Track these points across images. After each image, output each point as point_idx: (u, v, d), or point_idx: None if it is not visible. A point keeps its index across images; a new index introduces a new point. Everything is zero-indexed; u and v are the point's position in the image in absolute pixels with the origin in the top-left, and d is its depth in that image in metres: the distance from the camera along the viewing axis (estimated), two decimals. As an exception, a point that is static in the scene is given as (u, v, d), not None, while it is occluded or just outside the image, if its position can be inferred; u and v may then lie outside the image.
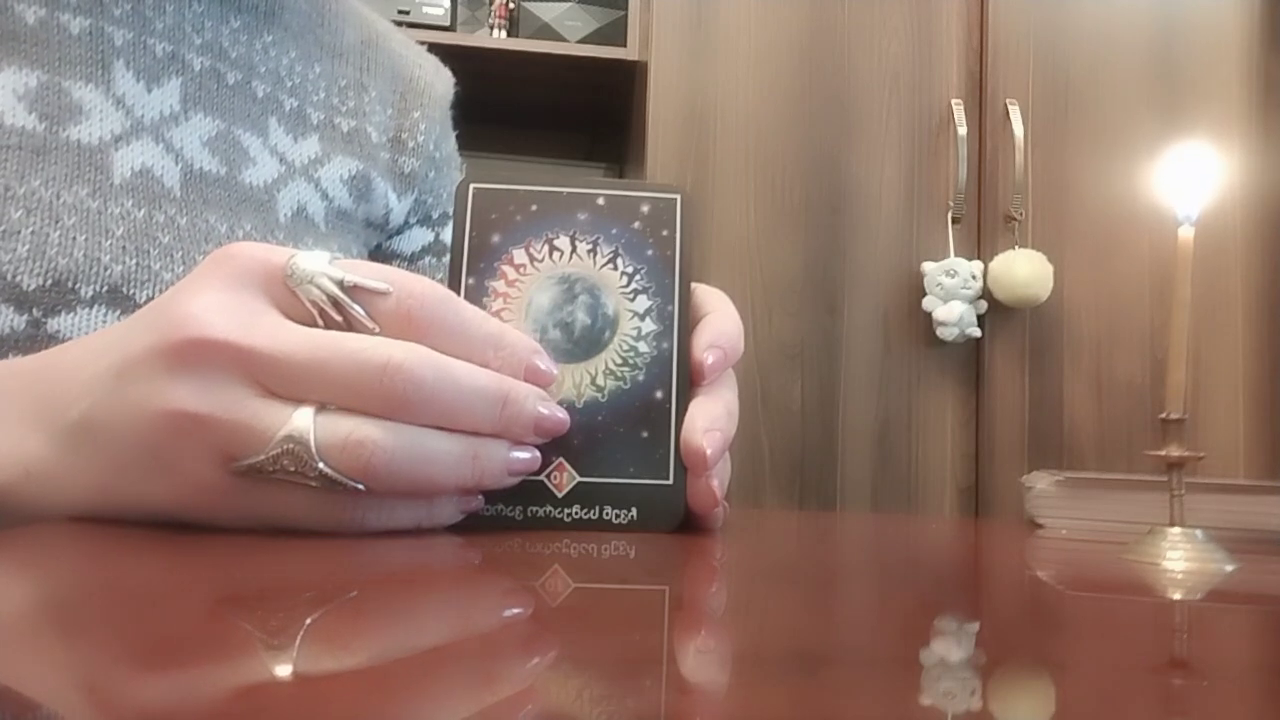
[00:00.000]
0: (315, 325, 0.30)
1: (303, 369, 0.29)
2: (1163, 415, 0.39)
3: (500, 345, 0.32)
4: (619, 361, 0.36)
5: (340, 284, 0.30)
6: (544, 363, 0.33)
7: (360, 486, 0.29)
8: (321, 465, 0.28)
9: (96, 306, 0.44)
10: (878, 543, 0.45)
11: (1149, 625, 0.25)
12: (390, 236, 0.64)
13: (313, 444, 0.28)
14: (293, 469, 0.29)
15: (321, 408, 0.29)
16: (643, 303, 0.37)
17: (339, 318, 0.30)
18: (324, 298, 0.30)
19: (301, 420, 0.29)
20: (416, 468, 0.30)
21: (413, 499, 0.31)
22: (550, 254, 0.37)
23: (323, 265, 0.30)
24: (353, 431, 0.29)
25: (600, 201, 0.37)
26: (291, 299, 0.30)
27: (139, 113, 0.49)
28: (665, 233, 0.37)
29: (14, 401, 0.32)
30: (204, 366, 0.29)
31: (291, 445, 0.28)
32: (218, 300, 0.30)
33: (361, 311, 0.30)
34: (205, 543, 0.28)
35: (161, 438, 0.29)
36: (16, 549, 0.27)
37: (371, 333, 0.30)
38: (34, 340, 0.42)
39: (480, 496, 0.33)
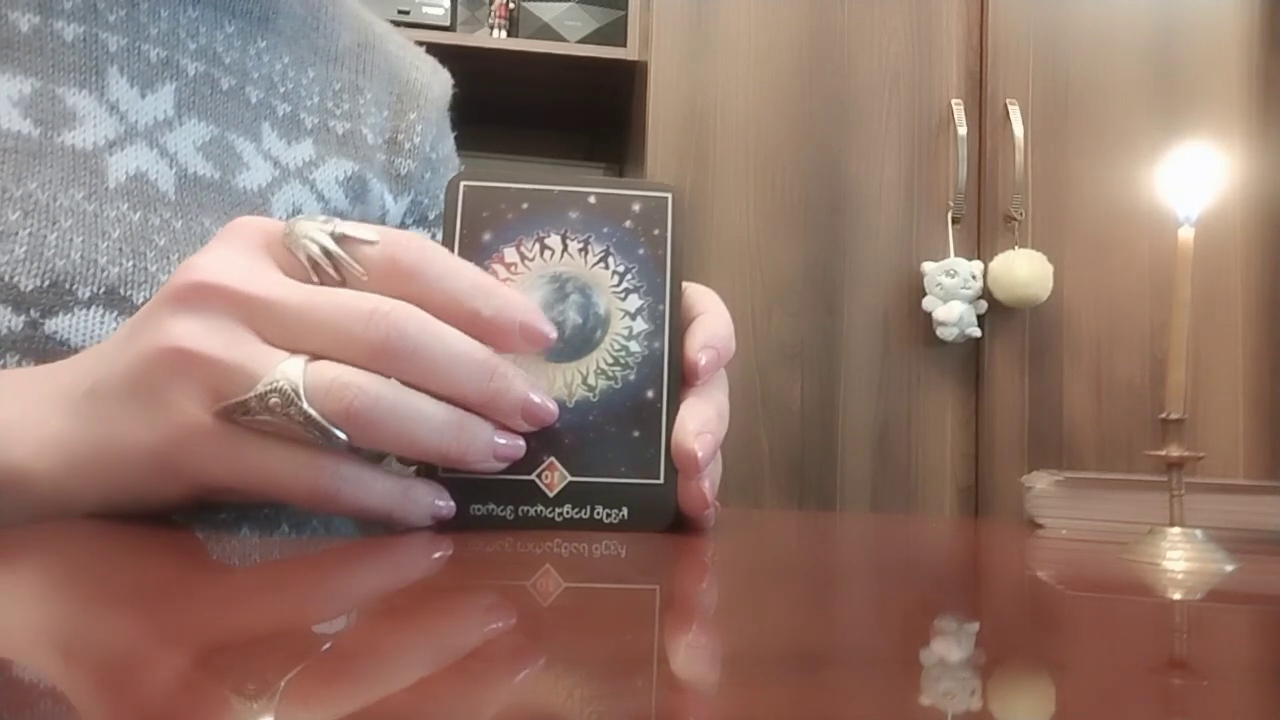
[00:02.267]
0: (311, 281, 0.32)
1: (295, 314, 0.31)
2: (1163, 415, 0.39)
3: (492, 295, 0.32)
4: (610, 361, 0.36)
5: (332, 235, 0.32)
6: (543, 324, 0.33)
7: (343, 435, 0.30)
8: (305, 406, 0.29)
9: (94, 308, 0.44)
10: (877, 543, 0.45)
11: (1149, 625, 0.25)
12: None
13: (301, 386, 0.29)
14: (279, 409, 0.29)
15: (314, 358, 0.30)
16: (634, 302, 0.36)
17: (332, 270, 0.32)
18: (317, 249, 0.32)
19: (292, 366, 0.30)
20: (400, 422, 0.30)
21: (390, 489, 0.31)
22: (541, 253, 0.36)
23: (317, 224, 0.32)
24: (339, 375, 0.30)
25: (591, 200, 0.37)
26: (290, 258, 0.32)
27: (133, 118, 0.49)
28: (657, 231, 0.37)
29: (38, 389, 0.34)
30: (204, 308, 0.31)
31: (279, 384, 0.29)
32: (224, 255, 0.32)
33: (349, 259, 0.32)
34: (197, 546, 0.28)
35: (156, 372, 0.30)
36: (9, 551, 0.27)
37: (361, 279, 0.32)
38: (31, 341, 0.42)
39: (452, 504, 0.33)
